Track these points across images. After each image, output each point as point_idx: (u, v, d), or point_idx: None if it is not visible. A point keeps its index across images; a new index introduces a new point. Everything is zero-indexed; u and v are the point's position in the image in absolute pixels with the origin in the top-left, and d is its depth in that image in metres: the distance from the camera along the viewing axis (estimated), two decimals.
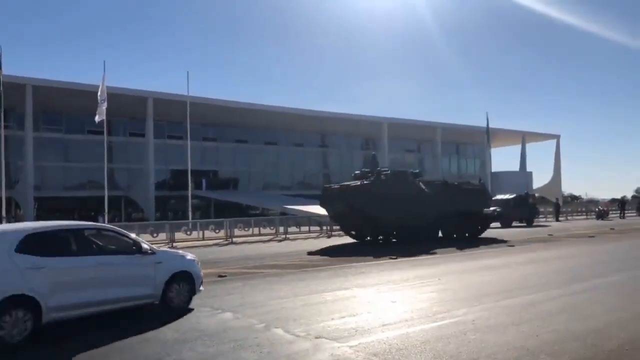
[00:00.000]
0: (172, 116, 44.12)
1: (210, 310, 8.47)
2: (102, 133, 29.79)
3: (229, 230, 24.67)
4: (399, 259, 15.22)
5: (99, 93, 27.62)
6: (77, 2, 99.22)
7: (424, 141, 68.01)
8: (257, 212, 48.31)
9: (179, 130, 44.90)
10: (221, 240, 23.86)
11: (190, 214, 33.74)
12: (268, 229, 26.78)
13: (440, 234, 22.20)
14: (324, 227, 27.81)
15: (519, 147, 74.21)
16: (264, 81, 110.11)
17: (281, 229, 26.40)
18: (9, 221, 28.36)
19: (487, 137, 48.81)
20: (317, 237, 26.18)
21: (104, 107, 27.37)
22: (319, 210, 37.46)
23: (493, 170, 69.50)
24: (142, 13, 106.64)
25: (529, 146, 75.59)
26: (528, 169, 73.98)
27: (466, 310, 8.15)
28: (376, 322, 7.40)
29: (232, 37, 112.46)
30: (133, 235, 8.52)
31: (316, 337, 6.62)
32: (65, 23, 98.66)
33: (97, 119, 27.79)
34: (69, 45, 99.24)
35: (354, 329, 6.99)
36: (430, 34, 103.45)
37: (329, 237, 26.04)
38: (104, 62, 27.50)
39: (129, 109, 43.98)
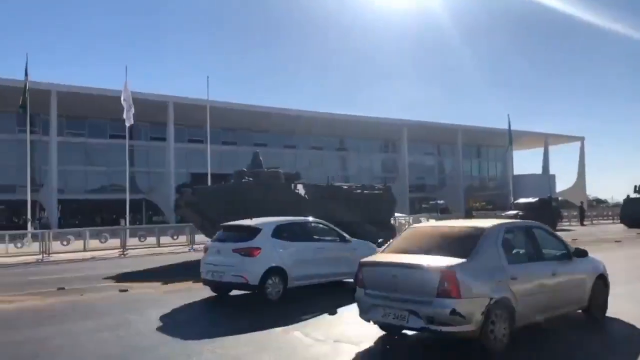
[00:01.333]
0: (193, 120, 44.53)
1: (229, 313, 8.52)
2: (124, 137, 30.23)
3: None
4: None
5: (122, 98, 28.00)
6: (98, 8, 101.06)
7: (444, 144, 67.43)
8: None
9: (199, 134, 45.28)
10: None
11: None
12: None
13: None
14: None
15: (541, 150, 73.16)
16: (282, 85, 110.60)
17: None
18: (33, 223, 28.92)
19: (508, 139, 48.13)
20: None
21: (131, 112, 27.83)
22: None
23: (515, 173, 68.61)
24: (162, 19, 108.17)
25: (553, 149, 74.43)
26: (551, 172, 72.86)
27: None
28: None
29: (251, 41, 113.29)
30: (336, 228, 11.14)
31: (335, 341, 6.60)
32: (87, 30, 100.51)
33: (127, 123, 28.28)
34: (91, 52, 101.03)
35: (376, 334, 6.94)
36: (449, 35, 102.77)
37: None
38: (126, 67, 27.97)
39: (151, 114, 44.48)
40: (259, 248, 9.21)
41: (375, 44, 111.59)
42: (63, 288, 11.38)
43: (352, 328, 7.28)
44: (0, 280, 13.63)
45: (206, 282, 9.78)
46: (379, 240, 19.29)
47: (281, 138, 56.96)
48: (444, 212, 35.73)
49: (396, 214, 36.95)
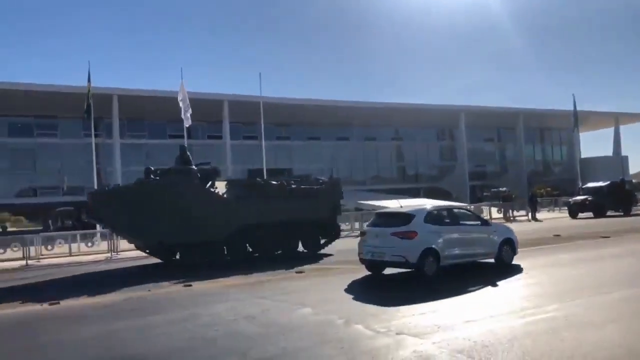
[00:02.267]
0: (247, 117, 45.18)
1: (290, 306, 8.54)
2: (182, 137, 31.02)
3: None
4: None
5: (179, 98, 28.69)
6: (152, 12, 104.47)
7: (505, 128, 65.11)
8: None
9: (254, 130, 45.92)
10: None
11: None
12: (343, 224, 26.62)
13: (258, 251, 16.57)
14: None
15: (612, 130, 69.14)
16: (334, 77, 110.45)
17: (357, 225, 26.21)
18: None
19: (574, 120, 45.76)
20: None
21: (189, 113, 28.55)
22: (394, 204, 36.97)
23: (583, 156, 65.27)
24: (215, 20, 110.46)
25: (624, 128, 70.08)
26: (624, 153, 68.68)
27: (557, 305, 7.64)
28: (459, 318, 7.13)
29: (302, 36, 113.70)
30: (478, 213, 13.06)
31: (397, 333, 6.48)
32: (142, 34, 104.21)
33: (186, 124, 29.04)
34: (147, 55, 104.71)
35: (437, 325, 6.77)
36: (504, 15, 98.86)
37: None
38: (181, 69, 28.60)
39: (207, 113, 45.49)
40: (415, 232, 10.64)
41: (428, 29, 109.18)
42: (132, 285, 11.83)
43: (416, 320, 7.11)
44: (74, 278, 14.37)
45: (364, 262, 11.42)
46: (322, 242, 17.50)
47: (334, 131, 56.84)
48: (506, 200, 34.32)
49: (456, 204, 35.94)
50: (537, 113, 62.71)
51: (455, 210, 12.42)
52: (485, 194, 52.84)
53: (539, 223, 27.81)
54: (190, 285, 11.28)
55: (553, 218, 30.74)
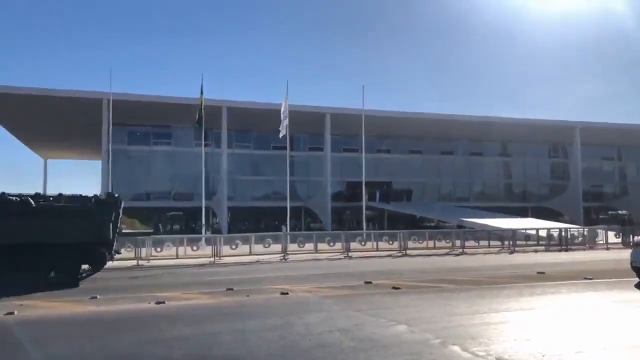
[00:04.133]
0: (348, 130, 45.56)
1: (384, 322, 8.29)
2: (285, 148, 31.86)
3: (402, 242, 24.34)
4: None
5: (282, 110, 29.53)
6: (257, 29, 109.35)
7: (626, 146, 59.71)
8: (432, 224, 47.17)
9: (355, 143, 46.13)
10: (395, 252, 23.66)
11: (364, 224, 34.24)
12: (444, 242, 25.78)
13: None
14: (506, 242, 25.89)
15: None
16: (440, 90, 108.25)
17: (458, 243, 25.22)
18: (207, 228, 31.83)
19: None
20: (498, 252, 24.45)
21: (285, 123, 29.25)
22: (499, 223, 35.08)
23: None
24: (318, 34, 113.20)
25: None
26: None
27: None
28: (568, 347, 6.50)
29: (408, 47, 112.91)
30: None
31: (497, 358, 6.03)
32: (250, 50, 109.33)
33: (280, 135, 29.79)
34: (255, 69, 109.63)
35: (541, 353, 6.21)
36: (628, 26, 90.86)
37: (511, 252, 24.11)
38: (287, 82, 29.28)
39: (309, 125, 46.57)
40: None
41: (543, 41, 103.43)
42: (232, 289, 12.21)
43: (519, 345, 6.56)
44: (180, 279, 15.22)
45: (637, 270, 12.76)
46: (83, 274, 14.80)
47: (437, 144, 55.50)
48: (627, 224, 31.30)
49: (568, 226, 33.17)
50: None
51: None
52: (601, 216, 48.76)
53: None
54: (287, 294, 11.36)
55: None
